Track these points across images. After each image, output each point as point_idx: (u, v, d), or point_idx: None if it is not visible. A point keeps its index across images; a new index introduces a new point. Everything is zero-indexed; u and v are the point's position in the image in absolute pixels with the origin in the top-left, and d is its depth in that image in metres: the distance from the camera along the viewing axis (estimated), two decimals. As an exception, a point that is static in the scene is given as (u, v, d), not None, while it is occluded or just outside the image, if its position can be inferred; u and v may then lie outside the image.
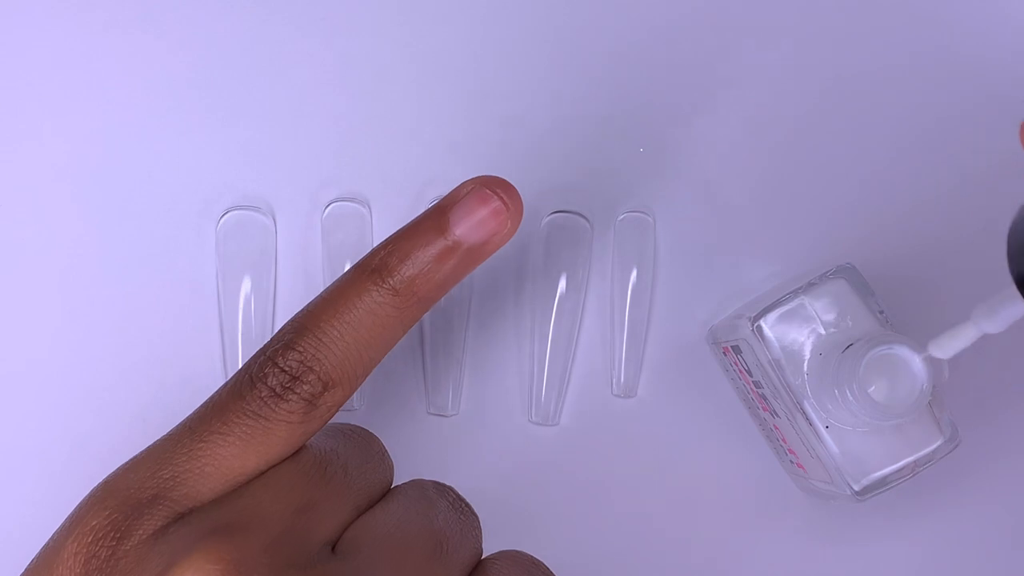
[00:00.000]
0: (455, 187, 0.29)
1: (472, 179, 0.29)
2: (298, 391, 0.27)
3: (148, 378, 0.40)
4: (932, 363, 0.33)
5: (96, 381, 0.40)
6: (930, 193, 0.42)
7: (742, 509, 0.41)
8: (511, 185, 0.29)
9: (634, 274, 0.41)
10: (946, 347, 0.31)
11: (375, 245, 0.29)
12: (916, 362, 0.33)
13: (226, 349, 0.39)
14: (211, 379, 0.40)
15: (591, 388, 0.41)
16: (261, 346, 0.28)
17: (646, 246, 0.41)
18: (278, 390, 0.27)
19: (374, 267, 0.28)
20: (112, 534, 0.25)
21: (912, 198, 0.42)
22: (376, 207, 0.41)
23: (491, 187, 0.29)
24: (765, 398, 0.37)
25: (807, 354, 0.35)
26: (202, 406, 0.28)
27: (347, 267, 0.40)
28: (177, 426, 0.28)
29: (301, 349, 0.27)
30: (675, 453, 0.41)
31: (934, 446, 0.35)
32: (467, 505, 0.29)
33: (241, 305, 0.39)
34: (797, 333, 0.35)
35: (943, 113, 0.42)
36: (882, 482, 0.35)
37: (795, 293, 0.35)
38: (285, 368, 0.27)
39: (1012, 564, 0.41)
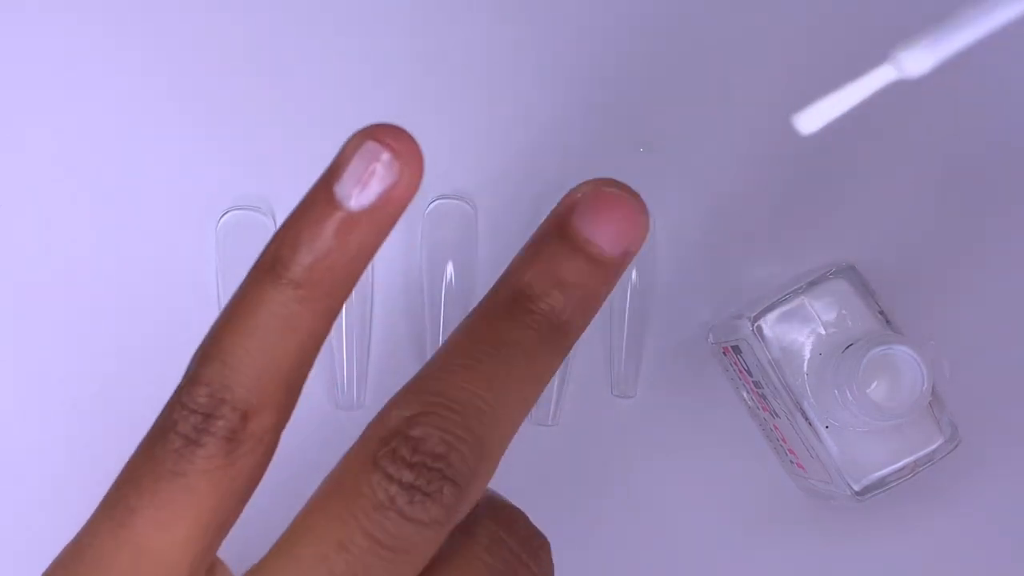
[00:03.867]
0: (339, 152, 0.24)
1: (353, 134, 0.24)
2: (213, 430, 0.22)
3: (148, 378, 0.40)
4: (932, 363, 0.33)
5: (96, 380, 0.40)
6: (930, 193, 0.42)
7: (742, 509, 0.41)
8: (399, 128, 0.24)
9: (634, 274, 0.41)
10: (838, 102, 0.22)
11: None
12: (916, 362, 0.33)
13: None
14: (211, 379, 0.40)
15: (590, 388, 0.41)
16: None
17: (645, 246, 0.41)
18: (191, 435, 0.22)
19: (268, 264, 0.23)
20: None
21: (912, 198, 0.42)
22: (376, 207, 0.41)
23: (375, 137, 0.24)
24: (765, 398, 0.37)
25: (807, 354, 0.35)
26: (118, 478, 0.23)
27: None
28: (97, 510, 0.23)
29: (207, 380, 0.22)
30: (674, 453, 0.41)
31: (934, 446, 0.35)
32: (541, 542, 0.25)
33: (241, 305, 0.39)
34: (797, 333, 0.35)
35: (943, 113, 0.42)
36: (882, 482, 0.35)
37: (795, 293, 0.35)
38: (194, 407, 0.22)
39: (1012, 564, 0.41)
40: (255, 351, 0.23)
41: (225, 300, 0.42)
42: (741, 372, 0.38)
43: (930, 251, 0.42)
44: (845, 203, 0.42)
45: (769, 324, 0.35)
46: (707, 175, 0.41)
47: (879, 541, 0.41)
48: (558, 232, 0.24)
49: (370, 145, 0.23)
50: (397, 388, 0.41)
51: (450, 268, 0.40)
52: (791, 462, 0.39)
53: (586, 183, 0.24)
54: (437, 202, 0.41)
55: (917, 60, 0.20)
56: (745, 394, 0.40)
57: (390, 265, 0.41)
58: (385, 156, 0.23)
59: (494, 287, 0.24)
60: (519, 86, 0.42)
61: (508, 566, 0.23)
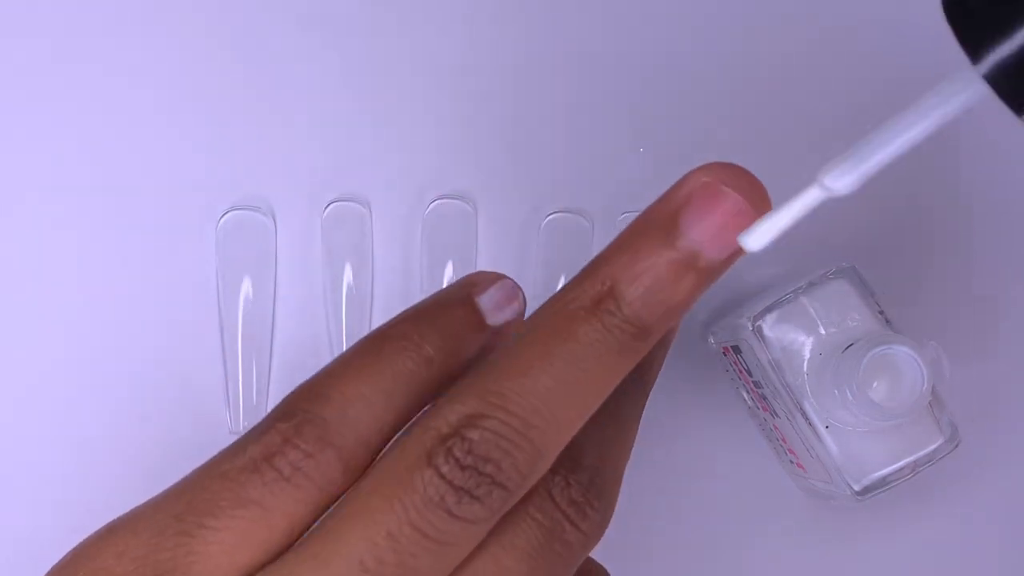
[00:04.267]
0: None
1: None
2: (313, 475, 0.21)
3: (148, 378, 0.40)
4: (932, 363, 0.33)
5: (96, 381, 0.40)
6: (930, 193, 0.42)
7: (742, 509, 0.41)
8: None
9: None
10: (775, 223, 0.22)
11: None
12: (916, 362, 0.33)
13: (226, 349, 0.39)
14: (211, 379, 0.40)
15: (591, 388, 0.41)
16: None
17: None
18: (286, 473, 0.21)
19: (404, 333, 0.23)
20: None
21: (912, 198, 0.42)
22: (376, 207, 0.41)
23: (510, 281, 0.24)
24: (765, 398, 0.37)
25: (807, 354, 0.35)
26: (191, 482, 0.22)
27: (347, 268, 0.40)
28: (160, 502, 0.22)
29: (321, 420, 0.22)
30: (675, 453, 0.41)
31: (934, 446, 0.35)
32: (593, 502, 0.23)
33: (241, 305, 0.39)
34: (797, 333, 0.35)
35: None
36: (882, 482, 0.35)
37: (795, 293, 0.35)
38: (299, 444, 0.21)
39: (1012, 564, 0.41)
40: (379, 409, 0.22)
41: (225, 300, 0.42)
42: (741, 372, 0.38)
43: (930, 251, 0.42)
44: (845, 203, 0.42)
45: (769, 324, 0.35)
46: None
47: (879, 541, 0.41)
48: (662, 229, 0.22)
49: (510, 284, 0.25)
50: None
51: (450, 268, 0.40)
52: (791, 462, 0.39)
53: (704, 171, 0.22)
54: (437, 202, 0.41)
55: (840, 181, 0.21)
56: (745, 394, 0.40)
57: (389, 265, 0.41)
58: (520, 296, 0.25)
59: (578, 278, 0.22)
60: (519, 86, 0.42)
61: (555, 523, 0.22)
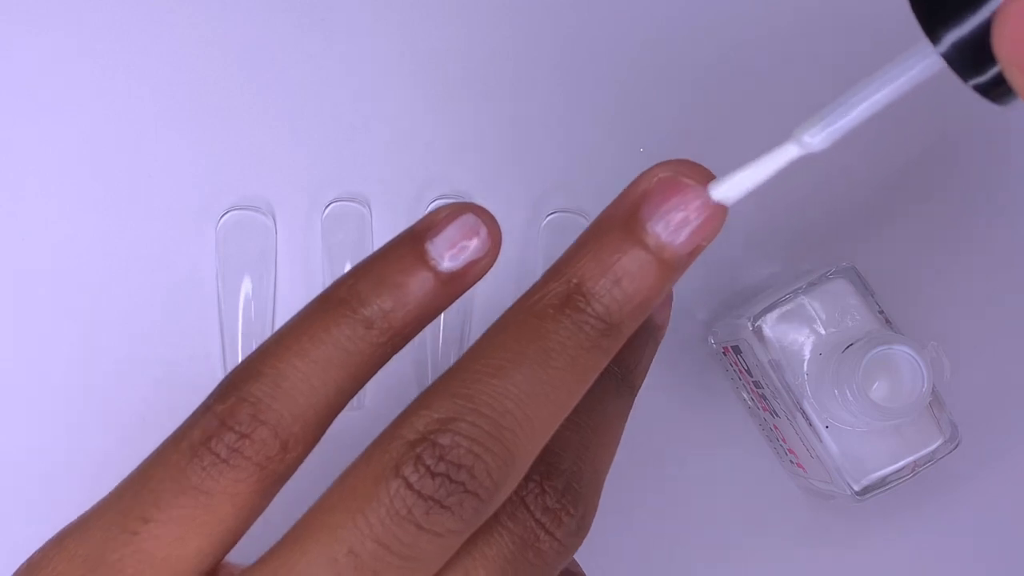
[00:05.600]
0: (429, 213, 0.24)
1: (448, 204, 0.24)
2: (248, 454, 0.21)
3: (148, 378, 0.40)
4: (932, 363, 0.33)
5: (96, 381, 0.40)
6: (930, 193, 0.42)
7: (742, 509, 0.41)
8: (492, 215, 0.24)
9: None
10: (749, 176, 0.22)
11: (348, 267, 0.24)
12: (916, 362, 0.33)
13: (226, 349, 0.39)
14: (211, 379, 0.40)
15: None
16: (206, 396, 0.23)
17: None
18: (224, 455, 0.21)
19: (342, 297, 0.22)
20: None
21: (912, 198, 0.42)
22: (376, 207, 0.41)
23: (477, 214, 0.23)
24: (765, 398, 0.37)
25: (807, 354, 0.35)
26: (135, 476, 0.22)
27: (347, 268, 0.40)
28: (108, 501, 0.23)
29: (254, 398, 0.21)
30: (675, 453, 0.41)
31: (934, 446, 0.35)
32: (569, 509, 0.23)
33: (241, 305, 0.39)
34: (797, 333, 0.35)
35: (945, 113, 0.42)
36: (882, 482, 0.35)
37: (795, 293, 0.35)
38: (233, 424, 0.21)
39: (1012, 564, 0.41)
40: (314, 381, 0.22)
41: (225, 300, 0.41)
42: (741, 372, 0.38)
43: (930, 251, 0.42)
44: (845, 203, 0.42)
45: (769, 324, 0.35)
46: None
47: (879, 541, 0.41)
48: (624, 225, 0.22)
49: (470, 219, 0.23)
50: (395, 388, 0.40)
51: None
52: (791, 462, 0.39)
53: (663, 166, 0.22)
54: (437, 202, 0.41)
55: (816, 137, 0.21)
56: (745, 394, 0.40)
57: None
58: (483, 232, 0.23)
59: (544, 277, 0.22)
60: (519, 86, 0.42)
61: (528, 531, 0.22)
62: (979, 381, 0.41)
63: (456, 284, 0.23)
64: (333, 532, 0.20)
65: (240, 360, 0.23)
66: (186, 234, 0.40)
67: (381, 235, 0.41)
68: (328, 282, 0.40)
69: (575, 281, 0.21)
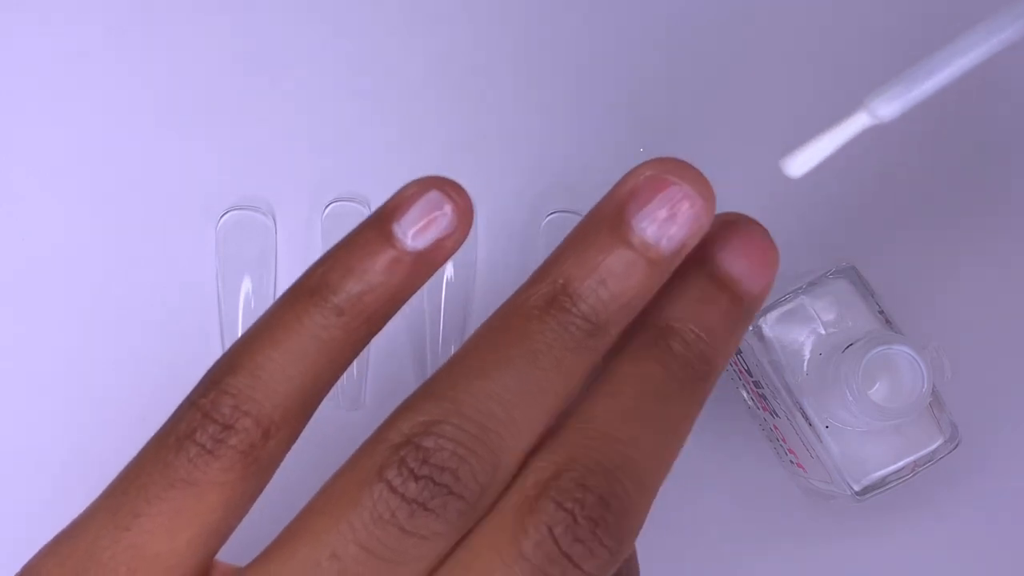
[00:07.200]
0: (397, 191, 0.24)
1: (416, 180, 0.24)
2: (232, 443, 0.21)
3: (148, 378, 0.40)
4: (932, 363, 0.33)
5: (96, 381, 0.40)
6: (930, 193, 0.42)
7: (742, 509, 0.41)
8: (460, 186, 0.24)
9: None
10: (822, 148, 0.22)
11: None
12: (916, 362, 0.33)
13: (226, 349, 0.39)
14: (211, 379, 0.40)
15: (591, 388, 0.41)
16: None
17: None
18: (209, 446, 0.21)
19: (312, 287, 0.23)
20: None
21: (912, 198, 0.42)
22: (376, 207, 0.41)
23: (441, 189, 0.23)
24: (765, 398, 0.37)
25: (807, 354, 0.35)
26: (123, 475, 0.23)
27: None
28: (99, 501, 0.23)
29: (234, 390, 0.22)
30: (675, 453, 0.41)
31: (934, 446, 0.35)
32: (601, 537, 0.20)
33: (241, 305, 0.39)
34: (797, 333, 0.35)
35: (945, 112, 0.42)
36: (882, 482, 0.35)
37: (795, 293, 0.35)
38: (216, 416, 0.22)
39: (1012, 564, 0.41)
40: (289, 368, 0.22)
41: (225, 300, 0.42)
42: (741, 372, 0.38)
43: (930, 251, 0.42)
44: (845, 203, 0.42)
45: (769, 324, 0.35)
46: (707, 175, 0.41)
47: (879, 541, 0.41)
48: (610, 224, 0.22)
49: (435, 195, 0.23)
50: (395, 388, 0.41)
51: (449, 267, 0.40)
52: (791, 462, 0.39)
53: (648, 164, 0.22)
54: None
55: (888, 106, 0.21)
56: (745, 394, 0.40)
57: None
58: (448, 208, 0.23)
59: (531, 279, 0.22)
60: (520, 86, 0.42)
61: (553, 564, 0.20)
62: (979, 381, 0.41)
63: (426, 263, 0.23)
64: (317, 537, 0.20)
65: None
66: (186, 234, 0.40)
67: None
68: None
69: (561, 282, 0.22)
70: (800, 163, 0.21)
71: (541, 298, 0.22)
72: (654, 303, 0.22)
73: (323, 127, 0.41)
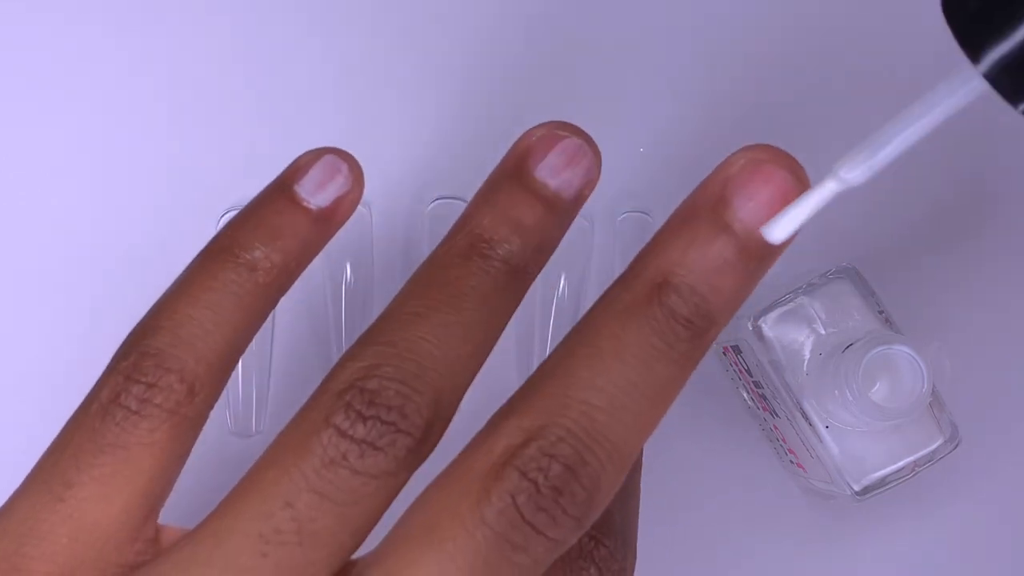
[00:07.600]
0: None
1: (310, 150, 0.26)
2: (158, 401, 0.22)
3: (148, 378, 0.40)
4: (933, 363, 0.33)
5: (94, 381, 0.40)
6: (930, 193, 0.42)
7: (742, 509, 0.41)
8: (347, 152, 0.26)
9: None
10: (798, 213, 0.21)
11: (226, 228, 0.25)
12: (916, 362, 0.33)
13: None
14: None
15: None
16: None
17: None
18: (134, 407, 0.22)
19: (224, 246, 0.24)
20: None
21: (912, 198, 0.42)
22: (376, 207, 0.41)
23: (332, 153, 0.26)
24: (765, 398, 0.37)
25: (807, 354, 0.35)
26: (52, 447, 0.23)
27: (347, 268, 0.40)
28: (31, 476, 0.23)
29: (155, 351, 0.22)
30: (674, 453, 0.41)
31: (934, 446, 0.35)
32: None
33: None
34: (797, 333, 0.35)
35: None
36: (882, 482, 0.35)
37: (795, 293, 0.35)
38: (139, 377, 0.22)
39: (1012, 564, 0.41)
40: (209, 325, 0.23)
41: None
42: (741, 372, 0.38)
43: (930, 251, 0.42)
44: (845, 203, 0.42)
45: (769, 324, 0.35)
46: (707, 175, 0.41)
47: (879, 541, 0.41)
48: (515, 176, 0.24)
49: (331, 158, 0.26)
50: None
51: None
52: (791, 462, 0.39)
53: (539, 127, 0.25)
54: (437, 202, 0.41)
55: (854, 172, 0.21)
56: (745, 394, 0.40)
57: (389, 265, 0.41)
58: (344, 167, 0.25)
59: (450, 233, 0.23)
60: (520, 86, 0.42)
61: (516, 530, 0.20)
62: (979, 381, 0.41)
63: (329, 220, 0.25)
64: (268, 488, 0.20)
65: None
66: (186, 234, 0.40)
67: (381, 235, 0.41)
68: (328, 282, 0.40)
69: (477, 231, 0.23)
70: (780, 229, 0.21)
71: (461, 247, 0.23)
72: (651, 245, 0.22)
73: (323, 127, 0.41)
